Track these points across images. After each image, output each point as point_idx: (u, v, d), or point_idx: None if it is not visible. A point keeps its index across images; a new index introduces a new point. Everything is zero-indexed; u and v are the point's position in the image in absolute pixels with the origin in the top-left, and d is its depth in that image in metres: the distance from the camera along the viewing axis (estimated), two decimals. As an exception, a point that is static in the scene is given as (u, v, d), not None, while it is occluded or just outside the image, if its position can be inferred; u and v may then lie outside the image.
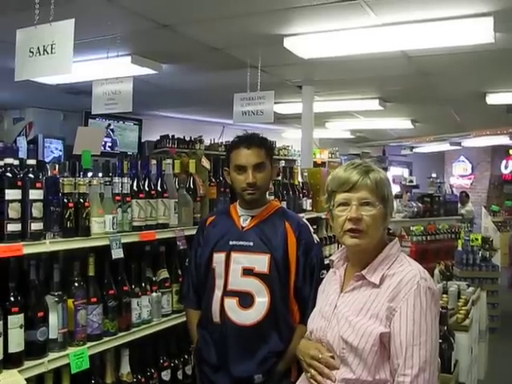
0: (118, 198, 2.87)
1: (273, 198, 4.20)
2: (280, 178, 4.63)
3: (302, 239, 2.71)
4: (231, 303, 2.66)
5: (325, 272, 2.58)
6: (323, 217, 5.19)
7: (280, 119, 10.12)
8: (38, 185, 2.42)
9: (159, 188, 3.16)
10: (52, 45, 3.11)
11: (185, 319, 3.08)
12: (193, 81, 7.74)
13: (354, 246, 2.09)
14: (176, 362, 3.35)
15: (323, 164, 12.12)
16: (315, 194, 5.25)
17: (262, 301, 2.63)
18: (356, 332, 1.99)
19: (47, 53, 3.12)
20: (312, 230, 2.83)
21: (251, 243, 2.69)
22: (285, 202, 4.61)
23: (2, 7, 4.72)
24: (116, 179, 2.88)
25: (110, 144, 10.78)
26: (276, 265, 2.65)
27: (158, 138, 11.06)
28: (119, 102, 5.00)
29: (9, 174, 2.35)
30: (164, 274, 3.25)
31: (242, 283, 2.66)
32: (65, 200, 2.57)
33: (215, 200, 3.62)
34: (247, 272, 2.66)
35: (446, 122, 11.77)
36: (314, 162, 9.71)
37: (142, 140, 11.24)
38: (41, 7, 3.39)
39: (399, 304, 1.96)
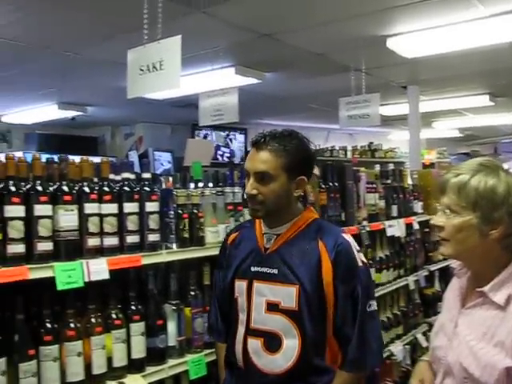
0: (230, 207, 2.92)
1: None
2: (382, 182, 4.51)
3: (339, 263, 2.10)
4: (255, 345, 2.18)
5: (374, 303, 2.14)
6: (435, 219, 5.03)
7: (385, 121, 9.94)
8: (154, 197, 2.51)
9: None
10: (160, 62, 3.22)
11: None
12: (296, 87, 7.76)
13: (441, 253, 1.91)
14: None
15: (431, 165, 11.75)
16: (426, 197, 5.12)
17: (292, 344, 2.12)
18: (478, 362, 1.74)
19: (156, 69, 3.24)
20: (356, 249, 2.18)
21: (275, 270, 2.16)
22: (395, 206, 4.52)
23: (112, 31, 4.96)
24: (227, 189, 2.93)
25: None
26: (307, 299, 2.10)
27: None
28: (226, 113, 5.09)
29: (126, 188, 2.45)
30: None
31: (266, 321, 2.16)
32: (179, 211, 2.65)
33: (325, 206, 3.59)
34: (272, 307, 2.15)
35: None
36: (422, 164, 9.45)
37: (248, 149, 11.37)
38: (149, 27, 3.53)
39: None
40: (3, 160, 2.19)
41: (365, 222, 4.08)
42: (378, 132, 12.16)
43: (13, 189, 2.11)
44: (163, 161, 10.42)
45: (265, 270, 2.18)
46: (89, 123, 10.50)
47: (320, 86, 7.59)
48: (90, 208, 2.30)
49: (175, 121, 10.67)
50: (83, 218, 2.28)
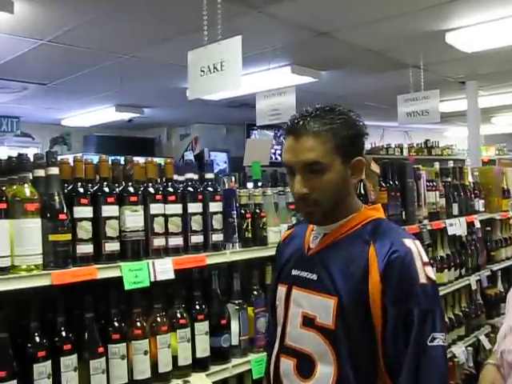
0: (291, 206, 2.91)
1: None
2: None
3: (390, 276, 1.56)
4: (287, 366, 1.76)
5: (440, 337, 1.55)
6: (497, 217, 4.93)
7: (443, 118, 9.75)
8: (217, 197, 2.53)
9: (330, 195, 3.15)
10: (221, 62, 3.24)
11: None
12: (352, 85, 7.71)
13: None
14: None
15: (491, 162, 11.49)
16: (488, 194, 5.01)
17: (326, 371, 1.65)
18: None
19: (217, 70, 3.25)
20: (422, 261, 1.60)
21: (315, 276, 1.71)
22: (456, 204, 4.43)
23: (170, 34, 5.02)
24: (289, 188, 2.92)
25: (281, 152, 10.98)
26: (345, 316, 1.61)
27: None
28: (283, 113, 5.09)
29: (190, 189, 2.47)
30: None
31: (300, 338, 1.72)
32: (242, 211, 2.66)
33: (386, 205, 3.55)
34: (308, 322, 1.70)
35: None
36: (481, 161, 9.25)
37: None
38: (209, 28, 3.55)
39: None
40: (71, 162, 2.24)
41: (425, 221, 4.03)
42: (433, 129, 11.94)
43: (81, 190, 2.16)
44: (219, 161, 10.49)
45: (304, 274, 1.75)
46: (145, 124, 10.67)
47: (377, 83, 7.52)
48: (155, 208, 2.33)
49: (230, 121, 10.73)
50: (148, 218, 2.32)
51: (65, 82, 6.92)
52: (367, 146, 11.35)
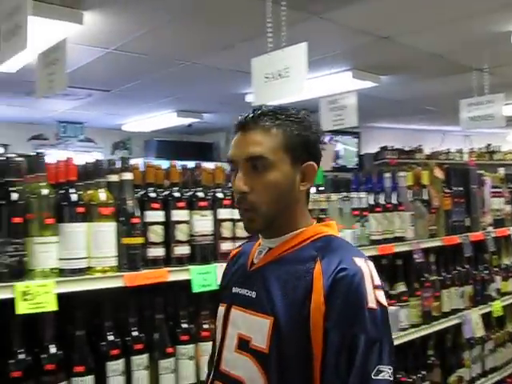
0: (355, 212, 2.92)
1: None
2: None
3: (335, 295, 1.35)
4: None
5: (387, 370, 1.32)
6: None
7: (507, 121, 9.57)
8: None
9: (394, 201, 3.16)
10: (286, 69, 3.28)
11: (423, 334, 2.98)
12: (412, 90, 7.63)
13: None
14: (414, 377, 3.31)
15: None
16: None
17: None
18: None
19: (281, 77, 3.29)
20: (373, 283, 1.38)
21: (253, 294, 1.51)
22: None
23: (232, 40, 5.10)
24: (353, 194, 2.94)
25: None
26: (280, 339, 1.40)
27: (377, 149, 11.02)
28: (346, 118, 5.09)
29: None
30: (401, 287, 3.23)
31: (234, 363, 1.51)
32: (308, 216, 2.68)
33: (450, 211, 3.52)
34: (243, 345, 1.49)
35: None
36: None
37: (361, 153, 11.29)
38: (274, 34, 3.60)
39: None
40: (141, 167, 2.32)
41: (490, 228, 3.98)
42: (495, 133, 11.66)
43: (153, 195, 2.23)
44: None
45: (244, 291, 1.54)
46: (204, 129, 10.81)
47: (438, 87, 7.41)
48: (223, 213, 2.39)
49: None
50: (217, 223, 2.37)
51: (127, 89, 7.09)
52: (427, 150, 11.23)
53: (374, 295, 1.37)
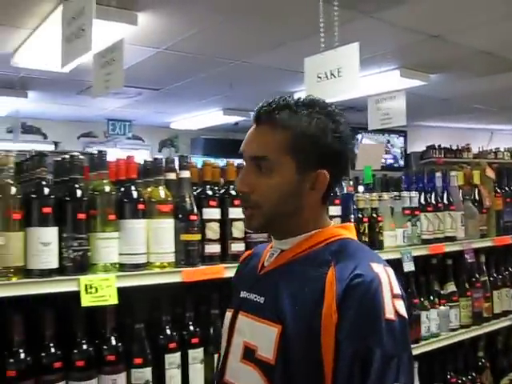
0: (407, 211, 2.93)
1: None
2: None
3: (349, 304, 1.22)
4: None
5: None
6: None
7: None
8: (337, 201, 2.59)
9: (446, 201, 3.16)
10: (338, 69, 3.29)
11: (473, 335, 2.96)
12: (461, 88, 7.53)
13: None
14: (463, 379, 3.29)
15: None
16: None
17: None
18: None
19: (334, 76, 3.31)
20: (392, 292, 1.25)
21: (262, 299, 1.39)
22: None
23: (282, 39, 5.14)
24: (405, 193, 2.94)
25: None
26: (288, 349, 1.28)
27: (423, 148, 10.91)
28: (394, 117, 5.07)
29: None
30: (451, 287, 3.22)
31: (239, 373, 1.40)
32: (359, 215, 2.71)
33: (501, 211, 3.49)
34: (249, 354, 1.36)
35: None
36: None
37: (408, 151, 11.20)
38: (318, 34, 3.62)
39: None
40: (199, 165, 2.38)
41: (542, 228, 3.90)
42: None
43: (210, 193, 2.29)
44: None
45: (252, 296, 1.42)
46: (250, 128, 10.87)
47: (487, 85, 7.31)
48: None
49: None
50: (271, 220, 2.40)
51: (176, 88, 7.19)
52: (475, 149, 11.06)
53: (393, 305, 1.23)
